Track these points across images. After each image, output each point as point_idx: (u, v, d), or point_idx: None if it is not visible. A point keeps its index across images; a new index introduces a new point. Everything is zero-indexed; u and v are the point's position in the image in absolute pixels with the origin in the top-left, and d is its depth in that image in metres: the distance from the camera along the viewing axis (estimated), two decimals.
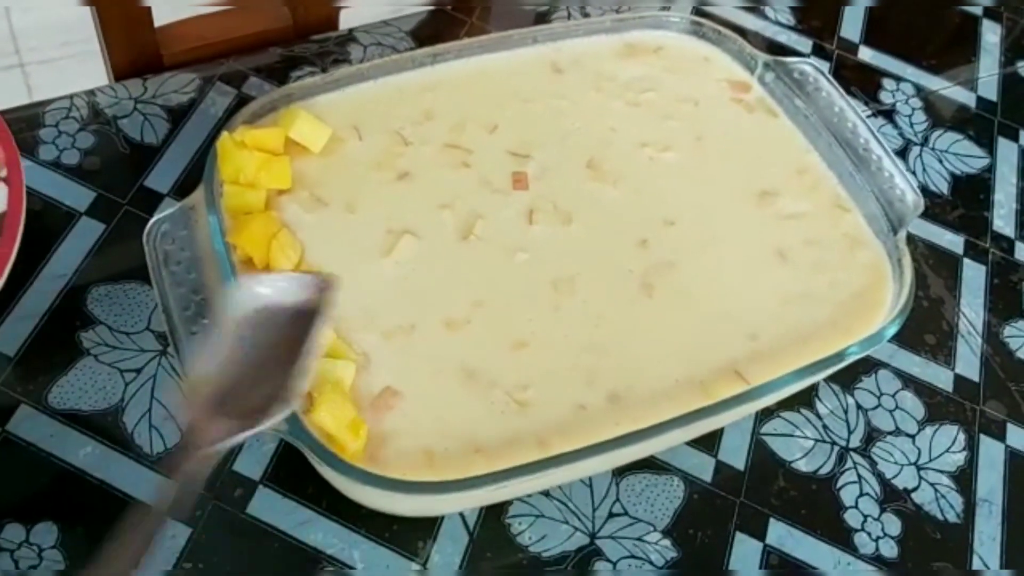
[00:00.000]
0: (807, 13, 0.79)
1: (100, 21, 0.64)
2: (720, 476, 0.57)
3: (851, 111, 0.60)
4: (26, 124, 0.61)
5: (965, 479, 0.60)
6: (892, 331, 0.52)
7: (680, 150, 0.60)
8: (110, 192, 0.59)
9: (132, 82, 0.64)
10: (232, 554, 0.50)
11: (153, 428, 0.52)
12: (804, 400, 0.60)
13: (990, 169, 0.74)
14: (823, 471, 0.58)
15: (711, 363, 0.52)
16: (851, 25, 0.80)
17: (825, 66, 0.75)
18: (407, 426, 0.48)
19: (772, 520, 0.56)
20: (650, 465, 0.56)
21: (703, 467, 0.57)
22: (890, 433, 0.60)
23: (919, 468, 0.59)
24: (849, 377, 0.61)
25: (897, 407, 0.61)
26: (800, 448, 0.59)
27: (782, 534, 0.56)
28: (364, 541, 0.51)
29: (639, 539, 0.54)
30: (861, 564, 0.55)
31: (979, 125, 0.76)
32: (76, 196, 0.59)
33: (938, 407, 0.62)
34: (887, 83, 0.77)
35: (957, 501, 0.59)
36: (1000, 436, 0.62)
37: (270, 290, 0.45)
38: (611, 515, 0.54)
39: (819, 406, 0.60)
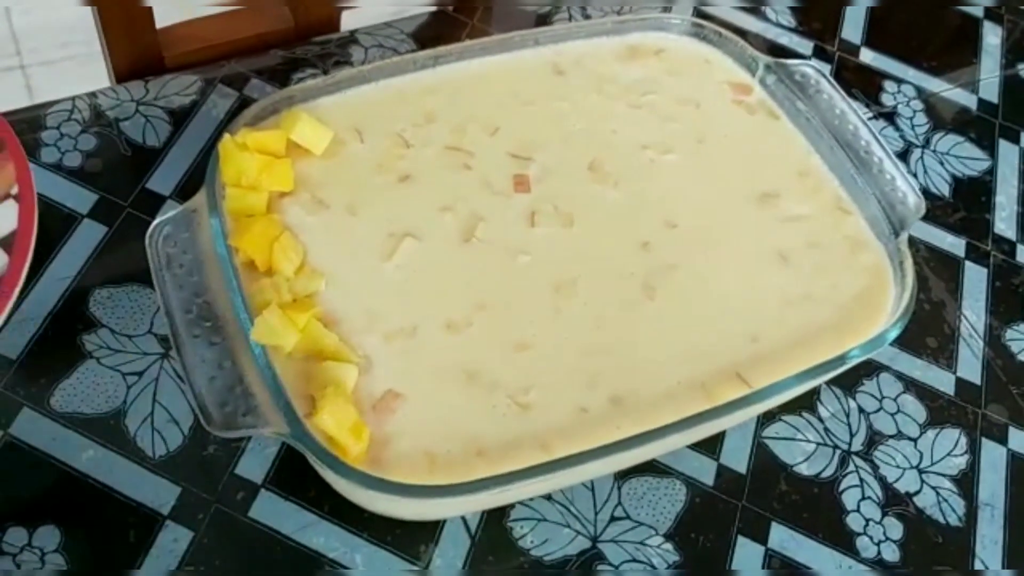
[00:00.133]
0: (808, 15, 0.79)
1: (101, 22, 0.64)
2: (722, 479, 0.57)
3: (852, 113, 0.60)
4: (27, 126, 0.61)
5: (967, 482, 0.60)
6: (894, 334, 0.52)
7: (681, 152, 0.60)
8: (112, 194, 0.59)
9: (133, 84, 0.64)
10: (234, 558, 0.50)
11: (155, 431, 0.52)
12: (806, 403, 0.60)
13: (991, 171, 0.74)
14: (825, 475, 0.58)
15: (713, 366, 0.52)
16: (852, 27, 0.80)
17: (826, 68, 0.75)
18: (409, 429, 0.48)
19: (774, 524, 0.56)
20: (652, 468, 0.56)
21: (705, 470, 0.57)
22: (892, 436, 0.60)
23: (921, 472, 0.59)
24: (851, 380, 0.61)
25: (899, 410, 0.61)
26: (802, 451, 0.59)
27: (784, 538, 0.56)
28: (366, 545, 0.51)
29: (641, 543, 0.54)
30: (863, 568, 0.55)
31: (980, 127, 0.76)
32: (78, 198, 0.59)
33: (940, 410, 0.62)
34: (888, 85, 0.77)
35: (959, 504, 0.59)
36: (1002, 439, 0.62)
37: None
38: (613, 519, 0.54)
39: (821, 409, 0.60)
